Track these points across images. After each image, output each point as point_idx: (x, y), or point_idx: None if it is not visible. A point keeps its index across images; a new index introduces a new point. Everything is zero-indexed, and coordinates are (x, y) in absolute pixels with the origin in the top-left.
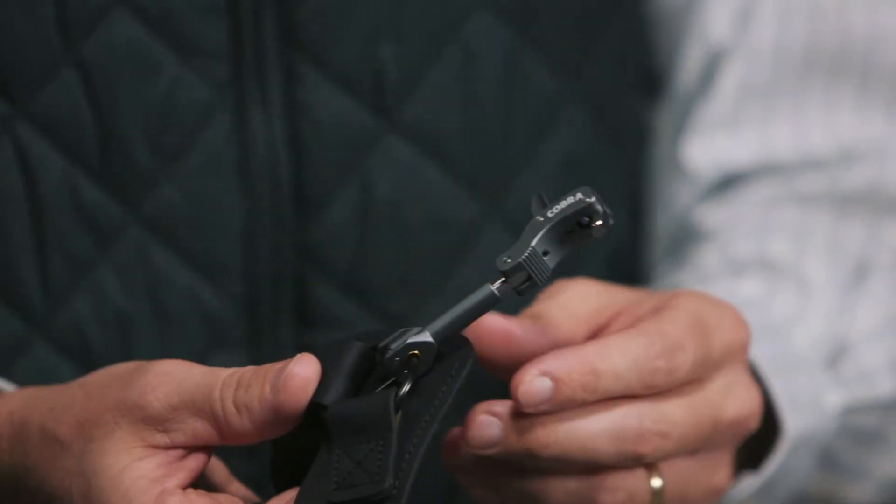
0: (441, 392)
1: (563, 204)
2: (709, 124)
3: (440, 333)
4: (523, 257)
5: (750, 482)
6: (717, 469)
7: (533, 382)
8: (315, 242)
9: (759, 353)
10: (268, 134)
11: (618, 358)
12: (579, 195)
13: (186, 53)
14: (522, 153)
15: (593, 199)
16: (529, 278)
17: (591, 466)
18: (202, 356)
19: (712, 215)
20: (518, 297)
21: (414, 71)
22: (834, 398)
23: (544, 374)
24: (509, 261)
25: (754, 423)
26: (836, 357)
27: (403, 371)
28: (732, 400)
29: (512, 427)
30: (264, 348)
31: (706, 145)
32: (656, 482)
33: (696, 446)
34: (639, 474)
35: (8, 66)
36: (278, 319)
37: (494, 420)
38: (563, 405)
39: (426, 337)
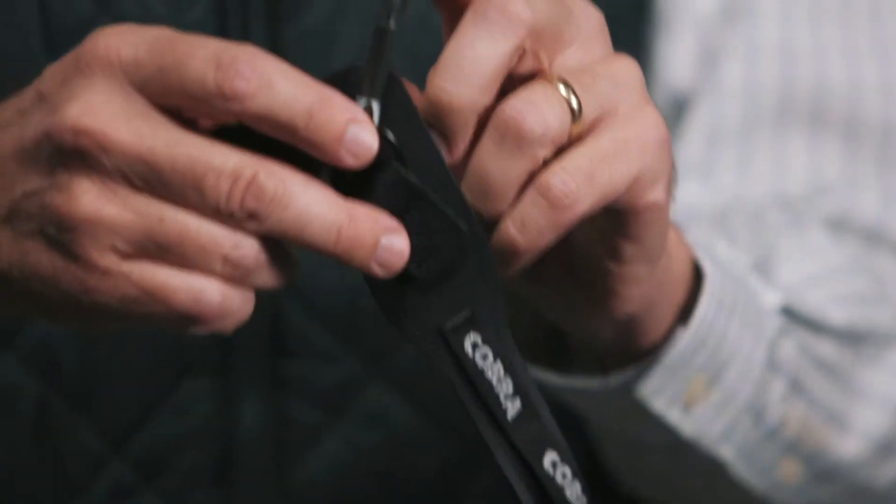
0: (412, 126)
1: None
2: (680, 170)
3: (376, 91)
4: None
5: (683, 335)
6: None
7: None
8: None
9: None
10: None
11: None
12: None
13: None
14: None
15: None
16: None
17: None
18: None
19: None
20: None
21: None
22: (770, 297)
23: None
24: None
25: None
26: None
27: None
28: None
29: None
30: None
31: (680, 192)
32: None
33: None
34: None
35: None
36: None
37: None
38: None
39: (373, 107)
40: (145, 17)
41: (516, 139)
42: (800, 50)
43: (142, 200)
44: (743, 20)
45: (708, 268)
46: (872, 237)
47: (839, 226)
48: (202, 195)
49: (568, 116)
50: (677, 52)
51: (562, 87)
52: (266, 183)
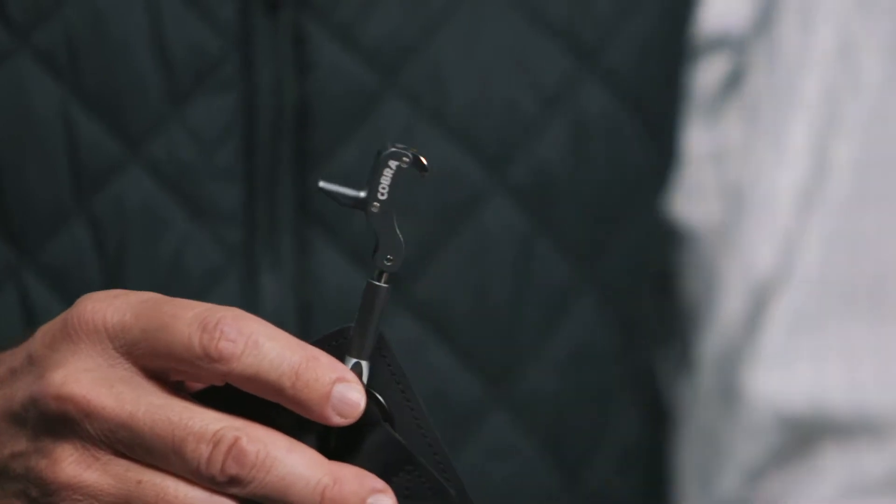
0: (401, 388)
1: (384, 180)
2: (761, 360)
3: (365, 352)
4: (402, 252)
5: None
6: None
7: None
8: None
9: None
10: (277, 302)
11: None
12: (390, 163)
13: (198, 215)
14: (531, 341)
15: (405, 157)
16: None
17: None
18: None
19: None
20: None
21: (427, 249)
22: None
23: None
24: (391, 258)
25: None
26: None
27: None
28: None
29: None
30: None
31: (761, 382)
32: None
33: None
34: None
35: (18, 215)
36: None
37: None
38: None
39: (358, 366)
40: (173, 161)
41: None
42: (867, 230)
43: (122, 465)
44: (818, 206)
45: None
46: None
47: None
48: (183, 459)
49: None
50: (761, 238)
51: None
52: (248, 447)
